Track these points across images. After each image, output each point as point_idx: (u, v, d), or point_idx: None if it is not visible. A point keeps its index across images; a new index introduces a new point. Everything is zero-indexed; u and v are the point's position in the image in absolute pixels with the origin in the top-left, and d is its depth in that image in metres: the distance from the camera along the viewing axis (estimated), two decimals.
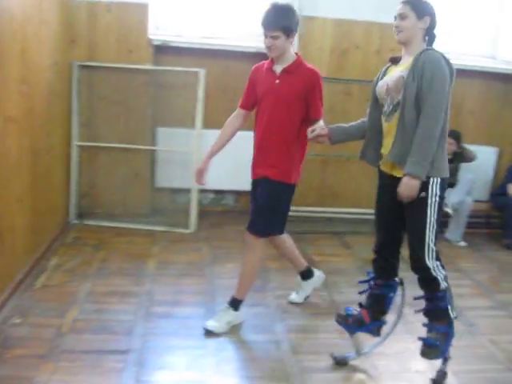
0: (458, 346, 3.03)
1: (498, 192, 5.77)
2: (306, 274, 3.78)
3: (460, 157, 5.50)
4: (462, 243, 5.39)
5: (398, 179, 2.70)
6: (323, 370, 3.02)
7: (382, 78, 2.91)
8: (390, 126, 2.81)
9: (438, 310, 2.84)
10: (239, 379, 2.90)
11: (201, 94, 5.05)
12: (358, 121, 3.09)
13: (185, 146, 5.17)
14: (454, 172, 5.39)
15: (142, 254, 4.46)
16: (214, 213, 5.62)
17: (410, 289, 3.05)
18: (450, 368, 2.94)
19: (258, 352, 3.18)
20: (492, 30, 6.03)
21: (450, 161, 5.52)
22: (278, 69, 3.21)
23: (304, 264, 3.77)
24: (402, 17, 2.77)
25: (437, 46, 2.84)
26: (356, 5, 5.34)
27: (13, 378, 2.69)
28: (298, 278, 3.81)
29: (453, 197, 5.33)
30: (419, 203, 2.71)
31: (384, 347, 3.20)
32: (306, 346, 3.26)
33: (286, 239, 3.64)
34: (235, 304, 3.39)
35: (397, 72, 2.79)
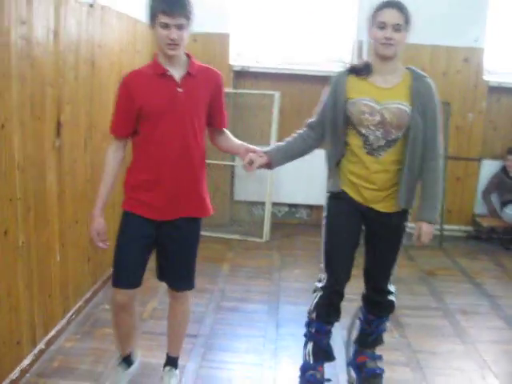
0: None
1: None
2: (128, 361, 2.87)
3: None
4: None
5: (378, 212, 2.61)
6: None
7: (351, 97, 2.54)
8: (378, 162, 2.55)
9: (380, 335, 2.97)
10: (293, 365, 3.26)
11: (275, 114, 5.51)
12: (294, 135, 2.78)
13: None
14: None
15: (218, 258, 4.93)
16: (288, 225, 6.03)
17: None
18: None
19: None
20: None
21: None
22: (177, 73, 2.38)
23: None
24: (396, 28, 2.42)
25: None
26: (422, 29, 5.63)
27: (101, 349, 3.23)
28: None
29: None
30: (401, 233, 2.66)
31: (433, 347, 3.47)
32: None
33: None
34: (175, 362, 2.90)
35: (393, 102, 2.49)
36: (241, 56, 5.86)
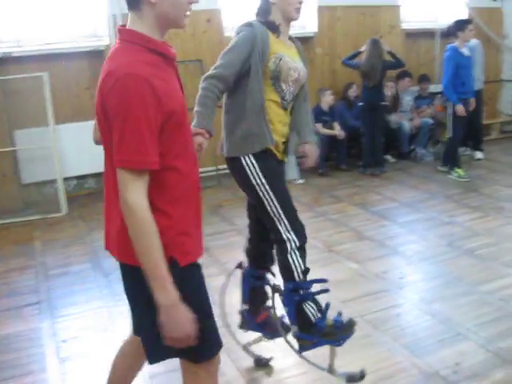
0: None
1: None
2: None
3: None
4: (300, 180, 6.61)
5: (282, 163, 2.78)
6: None
7: (274, 51, 2.58)
8: (285, 114, 2.71)
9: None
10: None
11: (48, 95, 5.78)
12: (209, 95, 2.59)
13: (43, 143, 5.88)
14: None
15: (27, 239, 5.20)
16: (80, 196, 6.40)
17: None
18: None
19: None
20: None
21: None
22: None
23: None
24: None
25: None
26: None
27: None
28: None
29: None
30: None
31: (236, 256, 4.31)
32: None
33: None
34: None
35: (299, 63, 2.70)
36: (1, 42, 5.94)
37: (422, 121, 7.50)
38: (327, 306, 2.65)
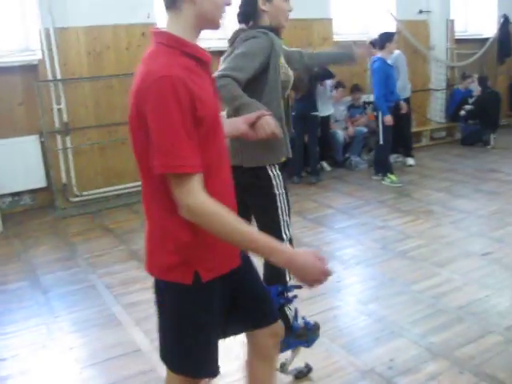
0: None
1: None
2: None
3: None
4: None
5: None
6: None
7: (282, 62, 2.66)
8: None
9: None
10: (71, 318, 3.80)
11: None
12: (240, 90, 2.48)
13: None
14: None
15: None
16: (15, 213, 6.26)
17: None
18: None
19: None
20: None
21: None
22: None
23: None
24: None
25: None
26: (102, 12, 6.30)
27: None
28: None
29: None
30: None
31: None
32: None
33: None
34: None
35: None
36: None
37: (356, 129, 7.74)
38: (296, 309, 2.78)
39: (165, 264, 1.76)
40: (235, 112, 2.48)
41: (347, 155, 7.76)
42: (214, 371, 1.89)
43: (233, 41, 2.71)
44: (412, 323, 3.40)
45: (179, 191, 1.59)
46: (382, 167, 6.83)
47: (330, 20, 8.02)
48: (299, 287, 2.67)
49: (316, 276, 1.70)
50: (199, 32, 1.74)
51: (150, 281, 4.07)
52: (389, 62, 6.56)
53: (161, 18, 6.64)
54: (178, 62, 1.63)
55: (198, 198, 1.59)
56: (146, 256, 1.86)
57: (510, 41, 10.19)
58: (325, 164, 7.62)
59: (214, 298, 1.82)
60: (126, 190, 6.62)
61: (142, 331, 3.47)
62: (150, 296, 3.79)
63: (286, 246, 1.72)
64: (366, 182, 6.91)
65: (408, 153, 7.77)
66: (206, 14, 1.70)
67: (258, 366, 2.10)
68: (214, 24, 1.75)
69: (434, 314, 3.49)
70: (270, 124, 2.27)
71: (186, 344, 1.81)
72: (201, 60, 1.71)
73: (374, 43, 6.51)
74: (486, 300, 3.65)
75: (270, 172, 2.63)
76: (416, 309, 3.58)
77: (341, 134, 7.61)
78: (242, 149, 2.61)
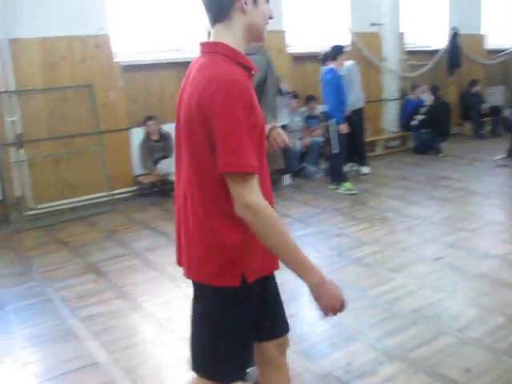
0: None
1: None
2: None
3: None
4: None
5: None
6: None
7: None
8: None
9: None
10: None
11: None
12: None
13: None
14: None
15: None
16: None
17: None
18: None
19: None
20: (175, 27, 7.45)
21: None
22: None
23: None
24: None
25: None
26: (56, 24, 6.24)
27: None
28: None
29: (172, 167, 6.62)
30: None
31: (134, 279, 4.31)
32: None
33: None
34: None
35: None
36: None
37: (312, 139, 7.84)
38: None
39: (214, 269, 1.78)
40: None
41: (304, 165, 7.85)
42: (245, 372, 1.98)
43: None
44: (368, 327, 3.46)
45: (242, 189, 1.65)
46: (337, 176, 6.94)
47: (282, 32, 8.11)
48: None
49: (336, 305, 1.78)
50: (247, 44, 1.83)
51: (108, 293, 4.09)
52: (341, 73, 6.71)
53: (113, 30, 6.65)
54: (238, 70, 1.72)
55: (259, 197, 1.66)
56: (187, 262, 1.88)
57: (459, 52, 10.51)
58: (287, 177, 7.53)
59: (253, 299, 1.88)
60: (81, 203, 6.54)
61: (100, 344, 3.44)
62: (107, 309, 3.80)
63: (319, 272, 1.75)
64: (322, 190, 7.01)
65: (362, 162, 7.92)
66: (255, 26, 1.80)
67: (269, 374, 2.10)
68: (260, 35, 1.84)
69: (390, 318, 3.56)
70: (281, 135, 2.41)
71: (229, 346, 1.87)
72: (249, 70, 1.79)
73: (326, 55, 6.66)
74: (439, 303, 3.75)
75: None
76: (372, 313, 3.65)
77: (297, 144, 7.70)
78: None
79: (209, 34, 1.83)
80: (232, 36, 1.77)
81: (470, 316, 3.58)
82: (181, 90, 1.84)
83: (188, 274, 1.89)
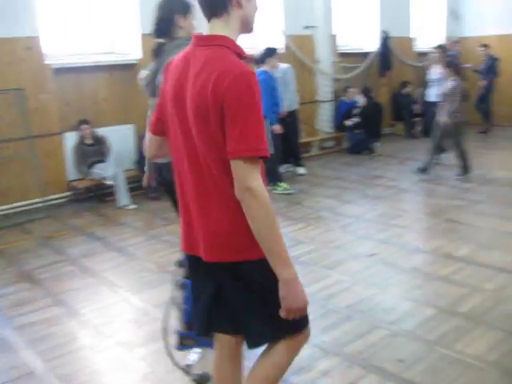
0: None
1: (140, 158, 7.07)
2: None
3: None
4: (132, 206, 6.58)
5: None
6: None
7: None
8: None
9: None
10: None
11: None
12: None
13: None
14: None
15: None
16: None
17: None
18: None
19: None
20: (108, 29, 7.35)
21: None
22: None
23: None
24: None
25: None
26: None
27: None
28: None
29: (108, 171, 6.55)
30: None
31: (71, 286, 4.25)
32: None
33: None
34: None
35: None
36: None
37: None
38: None
39: (247, 244, 1.86)
40: None
41: None
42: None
43: (158, 53, 3.03)
44: None
45: (249, 173, 1.76)
46: (272, 177, 7.03)
47: None
48: None
49: (299, 305, 1.85)
50: (239, 36, 1.95)
51: (43, 301, 4.04)
52: (278, 75, 6.82)
53: (44, 32, 6.52)
54: (241, 61, 1.85)
55: (261, 183, 1.78)
56: (214, 248, 1.92)
57: (390, 55, 10.82)
58: None
59: None
60: (15, 210, 6.37)
61: (36, 352, 3.38)
62: (43, 316, 3.74)
63: (294, 269, 1.84)
64: None
65: (298, 162, 8.04)
66: (249, 18, 1.94)
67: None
68: (250, 27, 1.98)
69: (325, 314, 3.66)
70: None
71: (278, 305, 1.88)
72: (246, 60, 1.92)
73: (258, 57, 6.76)
74: (373, 298, 3.87)
75: None
76: (308, 310, 3.70)
77: None
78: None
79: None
80: (229, 29, 1.89)
81: (403, 309, 3.73)
82: (176, 81, 1.92)
83: (219, 258, 1.93)
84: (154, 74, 3.01)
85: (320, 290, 4.01)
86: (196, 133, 1.85)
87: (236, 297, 1.98)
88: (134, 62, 7.19)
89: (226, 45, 1.87)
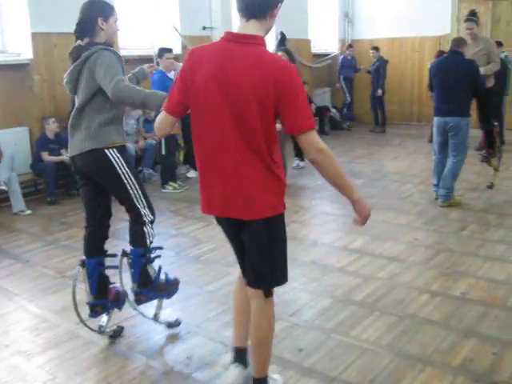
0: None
1: (35, 162, 6.89)
2: None
3: None
4: (28, 211, 6.33)
5: None
6: None
7: None
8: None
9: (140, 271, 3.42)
10: None
11: None
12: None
13: None
14: None
15: None
16: None
17: None
18: None
19: None
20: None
21: None
22: None
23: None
24: None
25: None
26: None
27: None
28: None
29: (1, 176, 6.26)
30: None
31: None
32: None
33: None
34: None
35: None
36: None
37: (146, 143, 7.83)
38: (160, 267, 3.43)
39: (273, 202, 2.46)
40: (142, 105, 3.11)
41: (140, 168, 7.81)
42: None
43: (76, 58, 3.19)
44: (207, 321, 3.60)
45: (315, 140, 2.35)
46: (165, 176, 7.08)
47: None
48: (160, 248, 3.52)
49: (369, 213, 2.52)
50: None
51: None
52: (169, 75, 6.85)
53: None
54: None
55: (324, 144, 2.39)
56: (242, 207, 2.44)
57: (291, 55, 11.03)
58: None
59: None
60: None
61: None
62: None
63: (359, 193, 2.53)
64: (159, 193, 6.99)
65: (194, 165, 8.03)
66: (272, 27, 2.47)
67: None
68: (267, 33, 2.48)
69: (227, 310, 3.69)
70: None
71: (286, 256, 2.60)
72: None
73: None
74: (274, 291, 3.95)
75: (108, 154, 3.19)
76: (210, 307, 3.79)
77: (131, 148, 7.64)
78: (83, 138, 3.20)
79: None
80: (263, 31, 2.40)
81: (302, 301, 3.86)
82: (215, 68, 2.33)
83: (244, 216, 2.47)
84: (76, 74, 3.22)
85: (221, 288, 4.08)
86: (249, 112, 2.31)
87: (255, 245, 2.54)
88: (26, 61, 6.95)
89: (263, 44, 2.39)
